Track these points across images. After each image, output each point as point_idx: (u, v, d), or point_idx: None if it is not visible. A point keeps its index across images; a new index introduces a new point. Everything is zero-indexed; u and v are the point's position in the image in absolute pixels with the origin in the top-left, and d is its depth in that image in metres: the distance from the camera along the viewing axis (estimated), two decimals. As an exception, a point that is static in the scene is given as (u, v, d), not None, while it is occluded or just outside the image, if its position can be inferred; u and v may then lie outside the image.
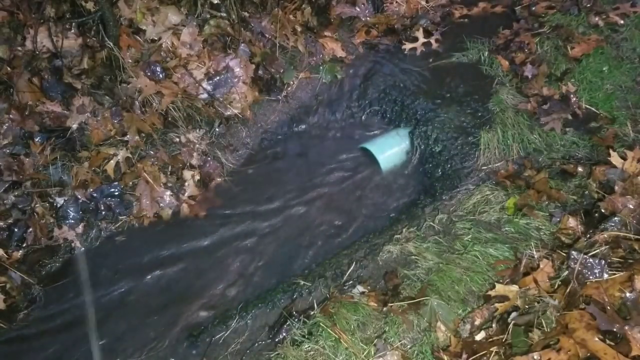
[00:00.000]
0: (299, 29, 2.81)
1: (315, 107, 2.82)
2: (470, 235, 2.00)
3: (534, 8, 2.81)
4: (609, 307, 1.50)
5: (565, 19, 2.71)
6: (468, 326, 1.72)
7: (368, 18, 3.00)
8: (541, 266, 1.75)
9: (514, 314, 1.65)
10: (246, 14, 2.70)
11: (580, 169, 2.10)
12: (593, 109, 2.38)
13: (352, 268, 2.01)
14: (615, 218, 1.79)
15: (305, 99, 2.83)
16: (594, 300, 1.54)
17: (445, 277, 1.86)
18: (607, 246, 1.70)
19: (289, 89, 2.78)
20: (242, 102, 2.62)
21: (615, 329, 1.44)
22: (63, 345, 2.05)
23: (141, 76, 2.41)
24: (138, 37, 2.48)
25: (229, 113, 2.62)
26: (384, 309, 1.80)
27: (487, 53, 2.71)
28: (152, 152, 2.47)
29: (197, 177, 2.48)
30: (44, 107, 2.38)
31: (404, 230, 2.13)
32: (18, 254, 2.22)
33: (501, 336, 1.61)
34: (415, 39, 2.85)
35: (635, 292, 1.52)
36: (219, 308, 2.11)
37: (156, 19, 2.48)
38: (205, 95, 2.56)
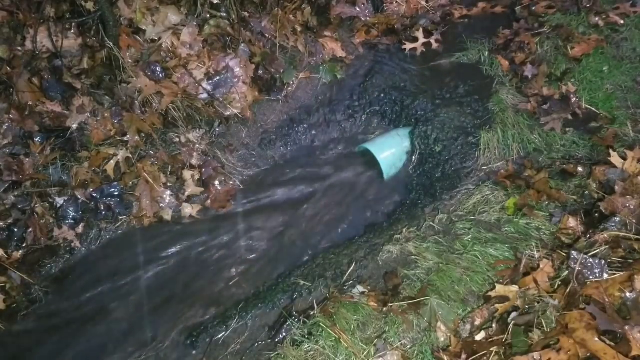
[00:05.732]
0: (299, 29, 2.81)
1: (316, 107, 2.82)
2: (470, 235, 2.00)
3: (534, 8, 2.80)
4: (609, 307, 1.50)
5: (565, 19, 2.70)
6: (468, 326, 1.72)
7: (368, 18, 3.00)
8: (541, 266, 1.75)
9: (514, 314, 1.65)
10: (246, 14, 2.70)
11: (580, 169, 2.10)
12: (593, 109, 2.37)
13: (352, 268, 2.01)
14: (616, 218, 1.79)
15: (305, 99, 2.83)
16: (594, 300, 1.54)
17: (445, 277, 1.86)
18: (607, 246, 1.69)
19: (289, 89, 2.78)
20: (242, 102, 2.62)
21: (615, 329, 1.44)
22: (63, 345, 2.05)
23: (141, 76, 2.41)
24: (138, 37, 2.48)
25: (229, 113, 2.62)
26: (384, 309, 1.79)
27: (487, 53, 2.71)
28: (152, 152, 2.47)
29: (197, 177, 2.48)
30: (44, 107, 2.38)
31: (404, 230, 2.13)
32: (18, 254, 2.22)
33: (501, 336, 1.61)
34: (415, 39, 2.84)
35: (635, 292, 1.52)
36: (219, 308, 2.11)
37: (156, 19, 2.48)
38: (205, 95, 2.55)
